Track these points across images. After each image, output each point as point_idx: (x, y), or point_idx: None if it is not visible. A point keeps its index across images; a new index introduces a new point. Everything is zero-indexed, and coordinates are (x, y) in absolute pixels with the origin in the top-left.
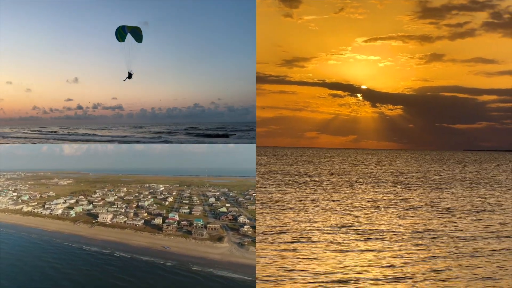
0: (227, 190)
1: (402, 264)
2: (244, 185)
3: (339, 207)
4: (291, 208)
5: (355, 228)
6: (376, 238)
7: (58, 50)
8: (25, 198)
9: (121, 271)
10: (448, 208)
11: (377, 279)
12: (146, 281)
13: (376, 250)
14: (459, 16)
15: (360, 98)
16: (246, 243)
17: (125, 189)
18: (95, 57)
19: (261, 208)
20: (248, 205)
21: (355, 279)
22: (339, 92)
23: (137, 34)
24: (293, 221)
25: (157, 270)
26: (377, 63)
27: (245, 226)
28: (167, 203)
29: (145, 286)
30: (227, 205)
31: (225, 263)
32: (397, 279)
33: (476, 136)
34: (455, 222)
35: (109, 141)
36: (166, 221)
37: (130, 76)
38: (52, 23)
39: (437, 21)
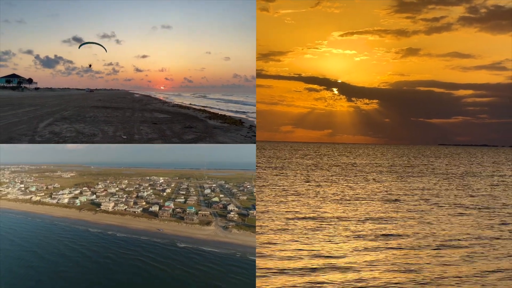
0: (223, 182)
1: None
2: (242, 178)
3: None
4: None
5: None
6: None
7: (252, 18)
8: (33, 189)
9: (125, 244)
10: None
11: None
12: (147, 249)
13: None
14: (435, 11)
15: (336, 92)
16: (230, 226)
17: (126, 181)
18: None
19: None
20: (240, 196)
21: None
22: (315, 86)
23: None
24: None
25: (154, 245)
26: (353, 57)
27: (232, 213)
28: (165, 194)
29: (146, 254)
30: (221, 195)
31: (210, 241)
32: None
33: (451, 130)
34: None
35: None
36: (162, 208)
37: (90, 66)
38: None
39: (414, 15)
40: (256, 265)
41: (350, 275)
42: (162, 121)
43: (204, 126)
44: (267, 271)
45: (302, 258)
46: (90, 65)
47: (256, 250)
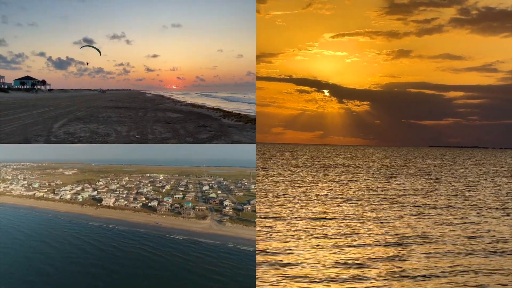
0: (222, 179)
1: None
2: (241, 175)
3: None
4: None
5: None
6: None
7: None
8: (36, 185)
9: (126, 235)
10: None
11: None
12: (148, 239)
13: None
14: (426, 12)
15: (327, 94)
16: (224, 220)
17: (127, 178)
18: None
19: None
20: (237, 192)
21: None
22: (306, 87)
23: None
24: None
25: (152, 236)
26: (344, 59)
27: (227, 208)
28: (164, 190)
29: (146, 242)
30: (218, 192)
31: (204, 233)
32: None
33: (442, 132)
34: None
35: None
36: (161, 203)
37: (87, 63)
38: None
39: (405, 17)
40: (256, 247)
41: (335, 257)
42: (176, 121)
43: (219, 125)
44: (264, 255)
45: (296, 246)
46: (87, 63)
47: (256, 238)
